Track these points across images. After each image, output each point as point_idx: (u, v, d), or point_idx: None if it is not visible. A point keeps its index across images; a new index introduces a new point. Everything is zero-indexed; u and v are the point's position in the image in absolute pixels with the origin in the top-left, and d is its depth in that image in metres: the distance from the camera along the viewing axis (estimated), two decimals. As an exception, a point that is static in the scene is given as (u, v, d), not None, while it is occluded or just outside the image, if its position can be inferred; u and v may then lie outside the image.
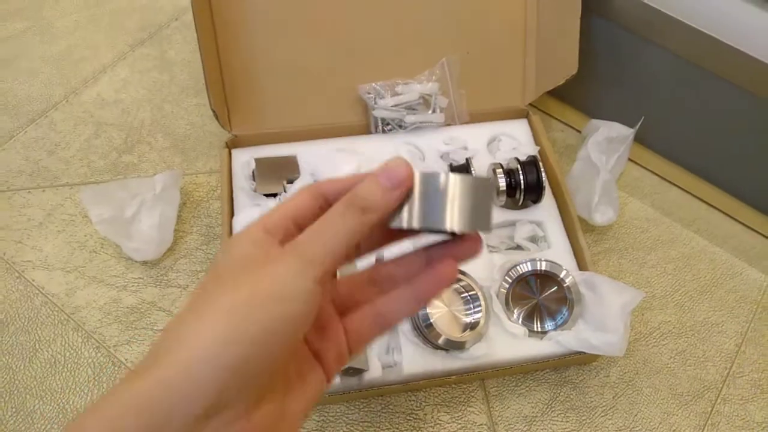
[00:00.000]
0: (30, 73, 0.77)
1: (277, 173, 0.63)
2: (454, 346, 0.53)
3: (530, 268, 0.57)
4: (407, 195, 0.28)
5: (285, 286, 0.26)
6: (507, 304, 0.57)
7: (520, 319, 0.56)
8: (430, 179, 0.28)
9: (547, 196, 0.63)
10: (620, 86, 0.70)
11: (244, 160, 0.65)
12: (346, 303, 0.32)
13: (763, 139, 0.63)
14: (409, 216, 0.28)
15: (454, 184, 0.28)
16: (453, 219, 0.27)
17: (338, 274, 0.34)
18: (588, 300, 0.56)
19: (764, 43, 0.57)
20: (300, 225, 0.28)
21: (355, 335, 0.32)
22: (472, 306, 0.55)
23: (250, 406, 0.25)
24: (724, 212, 0.69)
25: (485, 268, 0.58)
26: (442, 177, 0.28)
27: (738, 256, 0.66)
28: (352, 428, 0.54)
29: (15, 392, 0.55)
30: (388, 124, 0.67)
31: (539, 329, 0.56)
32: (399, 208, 0.28)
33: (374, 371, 0.53)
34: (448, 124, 0.68)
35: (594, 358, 0.57)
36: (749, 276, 0.65)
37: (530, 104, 0.70)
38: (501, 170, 0.61)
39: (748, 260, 0.66)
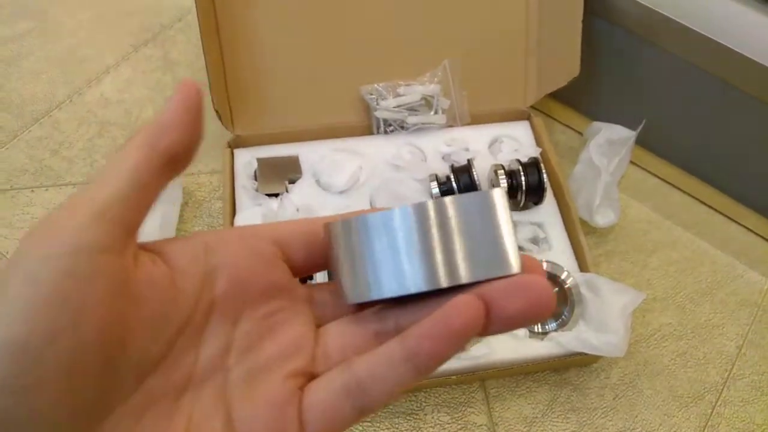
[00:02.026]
0: (34, 72, 0.78)
1: (279, 173, 0.64)
2: (454, 346, 0.53)
3: (531, 270, 0.57)
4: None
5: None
6: (508, 304, 0.57)
7: (521, 320, 0.56)
8: (419, 211, 0.20)
9: (549, 198, 0.63)
10: (622, 89, 0.71)
11: (246, 160, 0.65)
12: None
13: (765, 142, 0.63)
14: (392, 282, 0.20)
15: (443, 211, 0.19)
16: (460, 270, 0.19)
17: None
18: (589, 301, 0.56)
19: (766, 47, 0.57)
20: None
21: (316, 415, 0.21)
22: (472, 306, 0.55)
23: None
24: (725, 215, 0.69)
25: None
26: (410, 210, 0.20)
27: (739, 259, 0.66)
28: (351, 428, 0.54)
29: (16, 390, 0.55)
30: (390, 125, 0.67)
31: (540, 330, 0.56)
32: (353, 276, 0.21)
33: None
34: (450, 126, 0.68)
35: (594, 359, 0.57)
36: (750, 279, 0.65)
37: (532, 106, 0.70)
38: (503, 171, 0.61)
39: (749, 263, 0.66)
